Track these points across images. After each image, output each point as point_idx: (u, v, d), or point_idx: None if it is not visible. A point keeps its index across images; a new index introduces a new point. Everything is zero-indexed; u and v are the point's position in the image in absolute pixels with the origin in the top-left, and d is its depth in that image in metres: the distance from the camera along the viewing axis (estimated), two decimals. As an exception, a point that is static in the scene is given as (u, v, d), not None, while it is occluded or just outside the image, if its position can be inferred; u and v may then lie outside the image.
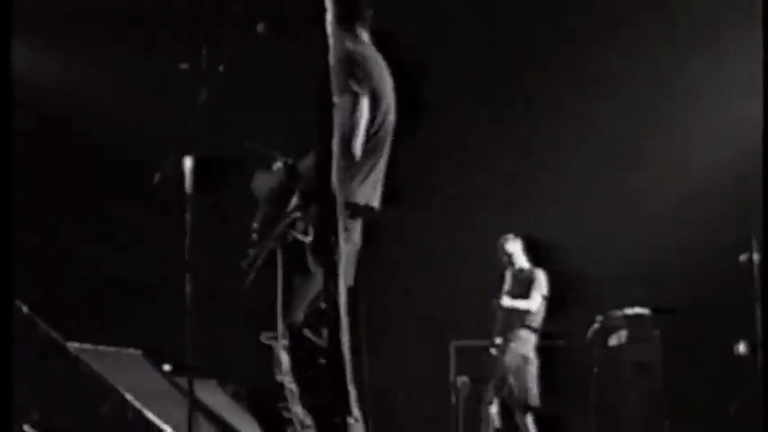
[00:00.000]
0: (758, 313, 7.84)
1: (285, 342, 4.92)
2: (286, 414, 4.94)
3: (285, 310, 4.94)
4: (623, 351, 8.79)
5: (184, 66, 5.88)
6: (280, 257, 4.99)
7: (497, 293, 9.42)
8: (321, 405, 4.55)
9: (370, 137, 4.96)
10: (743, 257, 8.06)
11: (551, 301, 9.45)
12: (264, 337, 5.04)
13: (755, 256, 7.97)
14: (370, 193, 5.06)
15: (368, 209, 5.06)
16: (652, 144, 9.58)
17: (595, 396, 8.88)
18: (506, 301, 9.30)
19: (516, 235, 9.68)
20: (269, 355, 5.02)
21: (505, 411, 9.25)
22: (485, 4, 9.94)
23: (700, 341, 8.67)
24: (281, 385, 4.98)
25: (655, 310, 8.85)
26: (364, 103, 4.86)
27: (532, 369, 9.26)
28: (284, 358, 4.94)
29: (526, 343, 9.31)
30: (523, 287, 9.42)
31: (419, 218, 10.22)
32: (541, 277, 9.42)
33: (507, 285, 9.54)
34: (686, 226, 9.25)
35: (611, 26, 9.63)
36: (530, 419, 9.22)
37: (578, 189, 9.94)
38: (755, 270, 7.96)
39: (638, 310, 8.86)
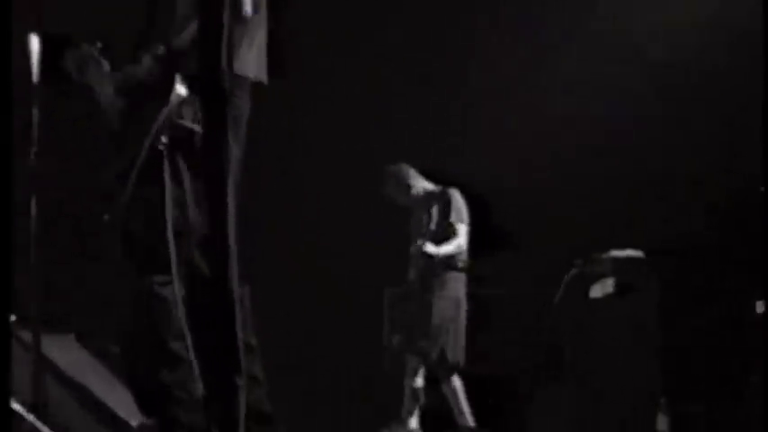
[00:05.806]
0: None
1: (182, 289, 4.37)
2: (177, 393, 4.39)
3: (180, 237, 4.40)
4: (609, 305, 7.70)
5: None
6: (167, 162, 4.44)
7: (416, 236, 8.65)
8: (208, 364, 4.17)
9: None
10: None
11: (520, 240, 9.01)
12: (158, 284, 4.42)
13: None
14: (258, 63, 4.92)
15: (257, 85, 4.93)
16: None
17: (571, 364, 7.88)
18: (430, 248, 8.48)
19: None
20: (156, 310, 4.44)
21: (430, 382, 8.60)
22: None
23: (708, 295, 7.51)
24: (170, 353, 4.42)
25: (650, 252, 7.74)
26: None
27: (464, 317, 8.57)
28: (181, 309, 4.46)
29: (457, 287, 8.60)
30: (439, 216, 8.65)
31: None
32: (459, 201, 8.62)
33: (419, 221, 8.73)
34: (693, 144, 8.36)
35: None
36: (459, 384, 8.48)
37: (557, 101, 9.08)
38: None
39: (629, 252, 7.75)
